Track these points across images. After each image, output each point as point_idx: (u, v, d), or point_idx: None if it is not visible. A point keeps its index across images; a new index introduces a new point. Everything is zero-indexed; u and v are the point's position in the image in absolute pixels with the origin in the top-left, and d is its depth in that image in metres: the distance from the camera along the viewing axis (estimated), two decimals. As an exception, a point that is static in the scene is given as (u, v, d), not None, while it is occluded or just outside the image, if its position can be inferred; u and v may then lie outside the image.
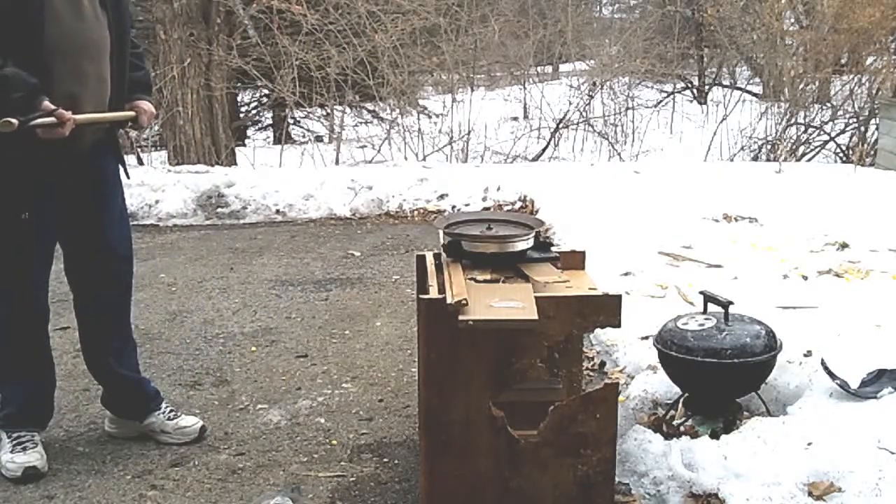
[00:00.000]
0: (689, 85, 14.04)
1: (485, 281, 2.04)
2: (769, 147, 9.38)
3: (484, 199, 6.06)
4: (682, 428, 2.47)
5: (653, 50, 11.03)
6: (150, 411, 2.64)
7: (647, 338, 2.98)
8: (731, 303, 2.43)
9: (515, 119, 10.97)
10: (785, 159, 8.37)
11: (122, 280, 2.58)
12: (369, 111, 10.72)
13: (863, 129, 9.44)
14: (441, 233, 2.28)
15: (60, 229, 2.45)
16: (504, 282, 2.05)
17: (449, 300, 1.86)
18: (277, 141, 10.32)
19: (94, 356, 2.61)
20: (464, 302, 1.83)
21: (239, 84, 9.80)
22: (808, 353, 2.71)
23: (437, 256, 2.28)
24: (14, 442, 2.42)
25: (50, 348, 2.56)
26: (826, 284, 3.74)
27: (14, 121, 2.10)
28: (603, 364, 3.11)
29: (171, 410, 2.68)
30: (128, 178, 2.59)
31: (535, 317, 1.80)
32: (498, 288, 2.00)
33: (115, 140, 2.49)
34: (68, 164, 2.37)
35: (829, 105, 10.18)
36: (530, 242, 2.19)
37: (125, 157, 2.65)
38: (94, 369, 2.65)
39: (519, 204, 5.98)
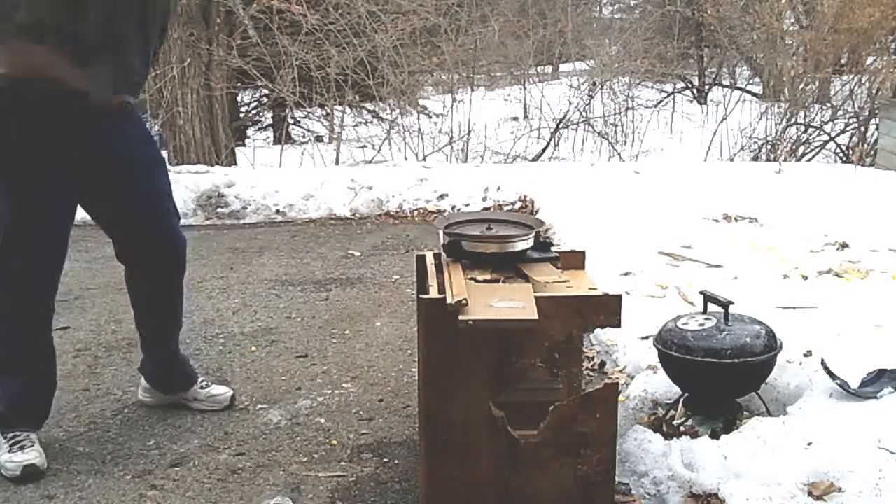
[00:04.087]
0: (689, 85, 14.04)
1: (485, 281, 2.04)
2: (769, 147, 9.38)
3: (484, 199, 6.06)
4: (682, 428, 2.47)
5: (653, 50, 11.03)
6: (191, 383, 2.80)
7: (647, 338, 2.98)
8: (731, 303, 2.43)
9: (515, 119, 10.97)
10: (785, 159, 8.37)
11: (173, 260, 2.63)
12: (369, 111, 10.71)
13: (863, 129, 9.44)
14: (441, 233, 2.28)
15: (93, 214, 2.50)
16: (504, 282, 2.05)
17: (449, 300, 1.86)
18: (277, 141, 10.31)
19: (150, 330, 2.71)
20: (464, 302, 1.83)
21: (239, 84, 9.80)
22: (808, 353, 2.71)
23: (437, 256, 2.28)
24: (11, 441, 2.42)
25: (53, 348, 2.56)
26: (826, 284, 3.73)
27: None
28: (603, 364, 3.11)
29: (202, 380, 2.84)
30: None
31: (536, 317, 1.80)
32: (498, 288, 2.00)
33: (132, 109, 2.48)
34: (73, 139, 2.32)
35: (829, 105, 10.18)
36: (530, 242, 2.19)
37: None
38: (147, 344, 2.74)
39: (519, 204, 5.98)
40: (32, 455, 2.41)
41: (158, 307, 2.70)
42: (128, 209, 2.52)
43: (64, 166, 2.34)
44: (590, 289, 2.02)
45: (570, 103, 9.86)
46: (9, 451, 2.40)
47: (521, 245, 2.15)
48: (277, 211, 6.01)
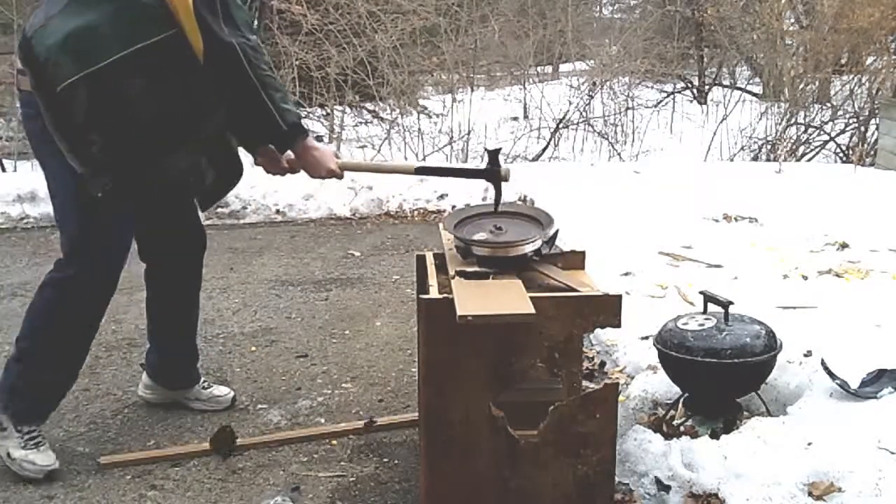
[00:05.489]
0: (689, 85, 14.02)
1: (474, 273, 2.03)
2: (769, 147, 9.37)
3: (484, 200, 6.05)
4: (682, 428, 2.47)
5: (653, 50, 11.01)
6: (194, 382, 2.81)
7: (647, 338, 2.98)
8: (731, 303, 2.43)
9: (515, 119, 10.96)
10: (785, 159, 8.37)
11: (200, 249, 2.72)
12: (369, 111, 10.69)
13: (863, 129, 9.44)
14: (445, 233, 2.28)
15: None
16: (493, 277, 2.04)
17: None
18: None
19: (168, 321, 2.73)
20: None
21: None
22: (808, 353, 2.71)
23: (437, 256, 2.28)
24: (27, 437, 2.38)
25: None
26: (826, 284, 3.74)
27: None
28: (603, 364, 3.11)
29: (204, 381, 2.84)
30: None
31: (533, 310, 1.80)
32: (488, 285, 1.99)
33: None
34: None
35: (829, 105, 10.17)
36: (538, 245, 2.15)
37: None
38: (167, 338, 2.75)
39: (519, 204, 5.98)
40: (51, 457, 2.39)
41: (183, 296, 2.74)
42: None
43: None
44: (590, 289, 2.02)
45: (570, 103, 9.85)
46: (24, 448, 2.36)
47: (529, 248, 2.12)
48: (277, 211, 6.01)
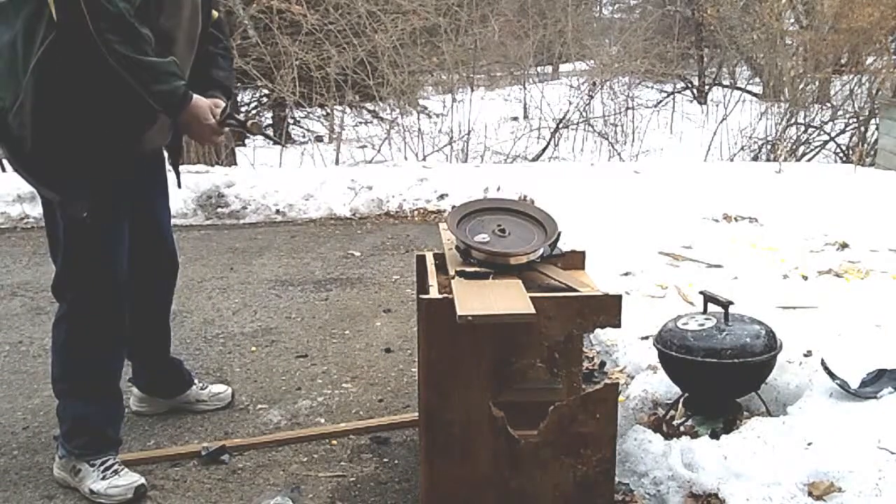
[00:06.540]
0: (689, 85, 14.05)
1: (474, 273, 2.03)
2: (769, 147, 9.39)
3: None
4: (682, 428, 2.47)
5: (653, 50, 11.03)
6: (191, 383, 2.80)
7: (647, 338, 2.98)
8: (731, 303, 2.43)
9: (515, 119, 10.97)
10: (785, 159, 8.38)
11: (174, 274, 2.68)
12: (369, 111, 10.72)
13: (863, 129, 9.46)
14: (444, 233, 2.28)
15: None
16: (493, 278, 2.04)
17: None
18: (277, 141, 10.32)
19: (152, 342, 2.67)
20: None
21: (239, 84, 9.81)
22: (808, 353, 2.71)
23: (437, 256, 2.28)
24: (102, 469, 2.30)
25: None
26: (826, 284, 3.74)
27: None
28: (603, 364, 3.11)
29: (199, 381, 2.85)
30: (178, 186, 2.60)
31: (533, 311, 1.80)
32: (488, 285, 1.99)
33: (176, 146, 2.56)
34: (140, 167, 2.41)
35: (829, 105, 10.20)
36: (541, 252, 2.14)
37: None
38: (149, 354, 2.70)
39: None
40: (136, 476, 2.31)
41: (164, 316, 2.70)
42: (157, 221, 2.58)
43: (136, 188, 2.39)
44: (590, 289, 2.02)
45: (570, 103, 9.87)
46: (103, 479, 2.28)
47: (533, 256, 2.12)
48: (277, 211, 6.01)
